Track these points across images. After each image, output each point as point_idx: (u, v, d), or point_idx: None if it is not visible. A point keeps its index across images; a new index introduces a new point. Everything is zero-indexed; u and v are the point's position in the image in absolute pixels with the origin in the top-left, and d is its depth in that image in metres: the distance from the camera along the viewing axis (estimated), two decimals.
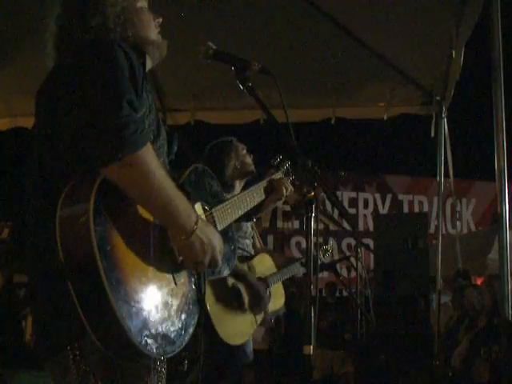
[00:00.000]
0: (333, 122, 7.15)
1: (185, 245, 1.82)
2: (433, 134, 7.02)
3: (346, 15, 5.75)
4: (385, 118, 7.15)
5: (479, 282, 10.01)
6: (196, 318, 1.92)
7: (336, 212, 10.43)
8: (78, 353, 1.73)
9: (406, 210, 15.38)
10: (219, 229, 2.12)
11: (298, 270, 4.39)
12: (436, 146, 7.21)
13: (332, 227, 12.27)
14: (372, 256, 8.12)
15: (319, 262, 4.81)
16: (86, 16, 1.93)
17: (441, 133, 7.01)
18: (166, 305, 1.78)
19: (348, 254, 11.23)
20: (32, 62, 6.05)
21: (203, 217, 2.03)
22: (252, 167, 4.08)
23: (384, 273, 7.06)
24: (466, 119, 15.53)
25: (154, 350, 1.68)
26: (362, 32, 5.95)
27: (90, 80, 1.70)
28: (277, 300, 4.19)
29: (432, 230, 12.67)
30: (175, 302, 1.82)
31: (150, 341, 1.66)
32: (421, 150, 14.18)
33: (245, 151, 4.11)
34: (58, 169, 1.75)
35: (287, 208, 13.99)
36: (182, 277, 1.89)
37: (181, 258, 1.87)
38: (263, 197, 2.75)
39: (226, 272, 2.20)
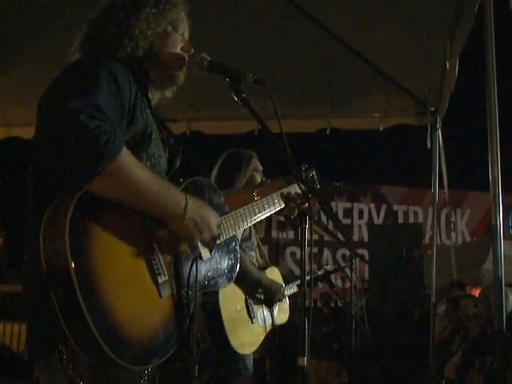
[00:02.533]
0: (328, 132, 7.18)
1: (180, 228, 1.90)
2: (429, 146, 7.04)
3: (341, 26, 5.77)
4: (380, 128, 7.17)
5: (475, 292, 10.01)
6: (184, 330, 1.94)
7: (331, 223, 10.44)
8: (65, 356, 1.77)
9: (400, 220, 15.39)
10: (219, 241, 2.14)
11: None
12: (431, 157, 7.22)
13: (327, 238, 12.27)
14: (366, 266, 8.12)
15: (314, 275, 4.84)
16: (108, 31, 2.04)
17: (435, 144, 7.03)
18: (146, 316, 1.81)
19: (343, 264, 11.24)
20: (27, 72, 6.09)
21: None
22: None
23: (379, 283, 7.05)
24: (460, 130, 15.58)
25: (131, 361, 1.71)
26: (357, 43, 5.97)
27: (63, 98, 1.77)
28: (282, 314, 4.22)
29: (427, 240, 12.68)
30: (158, 314, 1.85)
31: (126, 352, 1.70)
32: (416, 161, 14.22)
33: (259, 172, 4.11)
34: (51, 182, 1.82)
35: (282, 218, 13.97)
36: (168, 289, 1.91)
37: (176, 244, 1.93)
38: (278, 208, 2.61)
39: (224, 284, 2.22)
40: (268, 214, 2.52)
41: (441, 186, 7.36)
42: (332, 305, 10.32)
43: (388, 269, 6.98)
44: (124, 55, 2.02)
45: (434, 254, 7.39)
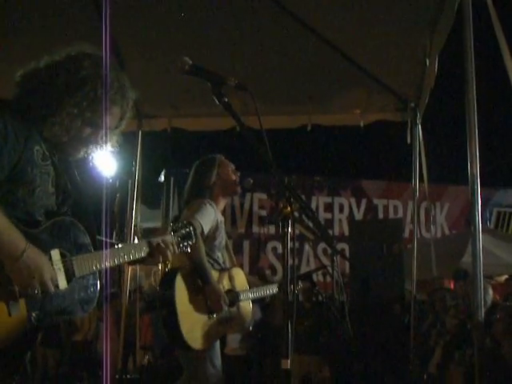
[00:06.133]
0: (309, 128, 7.19)
1: (12, 269, 2.07)
2: (409, 141, 7.08)
3: (322, 23, 5.78)
4: (361, 124, 7.20)
5: (453, 285, 10.10)
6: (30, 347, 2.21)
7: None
8: None
9: (380, 214, 15.46)
10: (77, 275, 2.30)
11: (269, 293, 4.44)
12: (411, 151, 7.26)
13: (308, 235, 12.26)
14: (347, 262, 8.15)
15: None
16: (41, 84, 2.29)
17: (415, 139, 7.07)
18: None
19: (324, 259, 11.27)
20: None
21: (60, 262, 2.24)
22: (235, 186, 4.19)
23: (359, 279, 7.11)
24: (440, 125, 15.70)
25: None
26: (338, 40, 5.99)
27: None
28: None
29: (406, 234, 12.76)
30: (5, 333, 2.02)
31: None
32: (395, 155, 14.31)
33: (230, 170, 4.20)
34: None
35: (263, 213, 13.99)
36: (19, 309, 2.08)
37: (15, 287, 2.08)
38: (143, 255, 2.63)
39: (79, 314, 2.36)
40: (133, 259, 2.58)
41: (420, 179, 7.41)
42: (314, 299, 10.35)
43: (368, 264, 7.04)
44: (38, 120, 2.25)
45: (415, 247, 7.42)
